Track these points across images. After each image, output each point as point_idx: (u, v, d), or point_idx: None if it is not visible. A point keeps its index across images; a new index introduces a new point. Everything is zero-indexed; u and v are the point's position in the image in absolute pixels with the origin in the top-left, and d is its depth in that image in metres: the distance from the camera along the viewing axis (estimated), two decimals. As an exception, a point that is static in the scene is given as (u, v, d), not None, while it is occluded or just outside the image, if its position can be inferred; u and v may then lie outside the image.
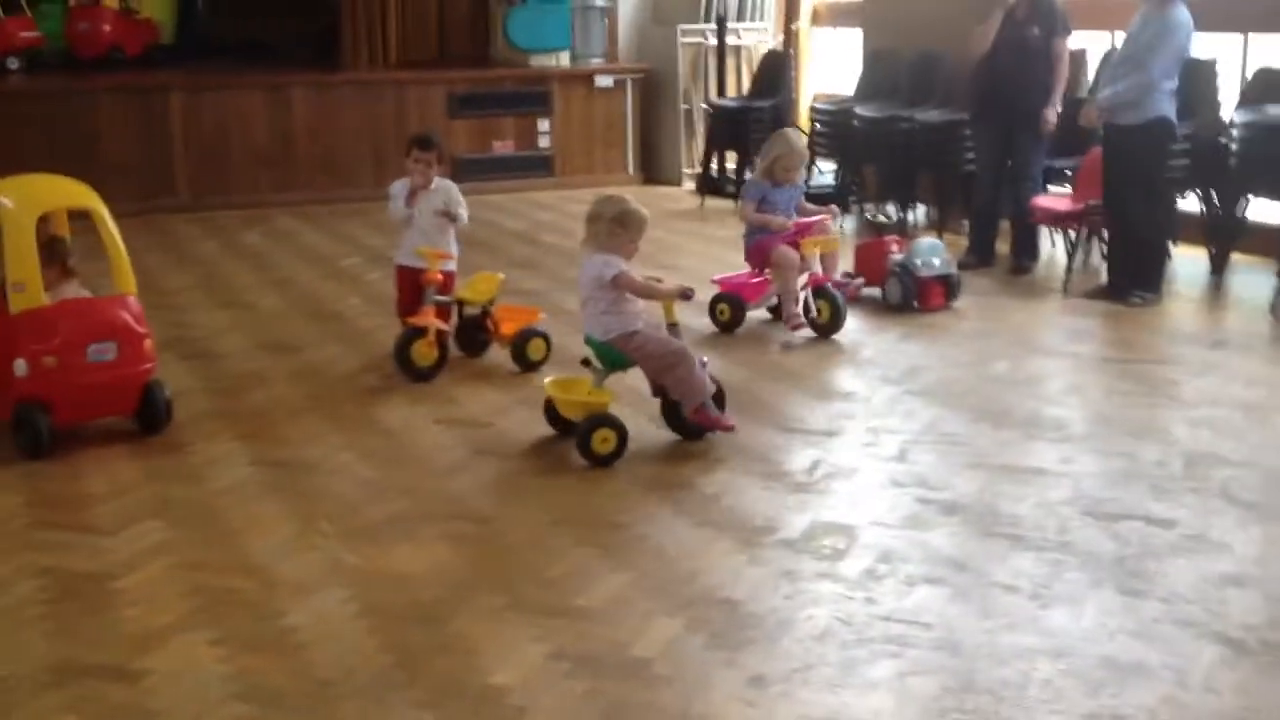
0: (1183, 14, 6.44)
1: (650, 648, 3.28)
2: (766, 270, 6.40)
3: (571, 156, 11.53)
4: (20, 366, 4.62)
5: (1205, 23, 7.86)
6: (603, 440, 4.61)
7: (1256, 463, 4.47)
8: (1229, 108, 7.34)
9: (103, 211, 4.87)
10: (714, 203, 10.33)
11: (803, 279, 6.19)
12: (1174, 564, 3.70)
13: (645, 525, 4.10)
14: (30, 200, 4.81)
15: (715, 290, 6.49)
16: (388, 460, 4.70)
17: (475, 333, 6.02)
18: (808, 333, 6.20)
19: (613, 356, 4.78)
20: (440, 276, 5.77)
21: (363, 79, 11.09)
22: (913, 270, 6.69)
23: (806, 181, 6.54)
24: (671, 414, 4.85)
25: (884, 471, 4.52)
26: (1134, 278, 6.74)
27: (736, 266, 6.82)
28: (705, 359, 4.86)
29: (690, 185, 11.13)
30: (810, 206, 6.55)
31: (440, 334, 5.67)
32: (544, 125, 11.36)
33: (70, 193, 5.06)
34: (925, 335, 6.30)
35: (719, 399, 4.83)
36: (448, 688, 3.10)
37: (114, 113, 10.23)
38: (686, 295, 4.77)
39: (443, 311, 5.77)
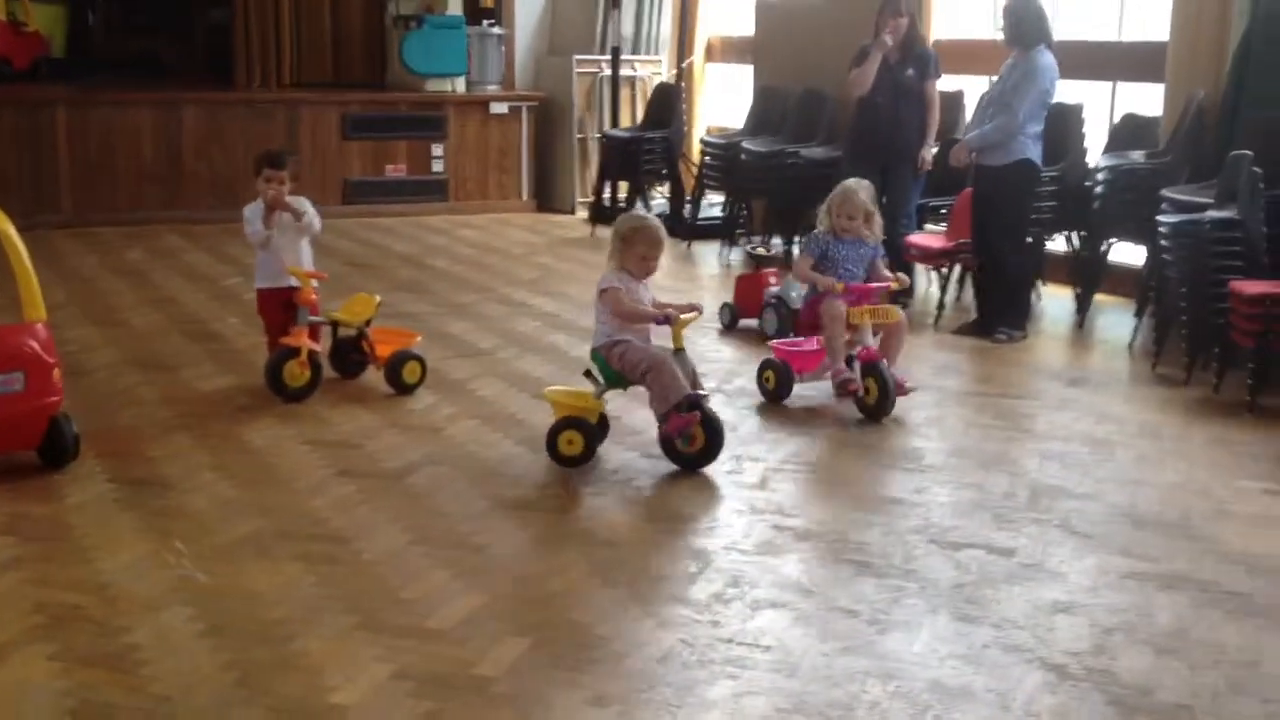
0: (1047, 60, 6.68)
1: (495, 667, 3.32)
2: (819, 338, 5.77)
3: (465, 182, 11.58)
4: None
5: (1077, 71, 8.19)
6: (568, 442, 4.78)
7: (1098, 496, 4.64)
8: (1096, 152, 7.61)
9: (11, 232, 4.65)
10: (604, 231, 10.38)
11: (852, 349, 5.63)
12: (1009, 592, 3.83)
13: (503, 547, 4.14)
14: None
15: (767, 355, 6.00)
16: (250, 479, 4.68)
17: (351, 354, 6.02)
18: (854, 409, 5.59)
19: (607, 370, 4.91)
20: (315, 296, 5.76)
21: (255, 99, 11.05)
22: (788, 303, 6.82)
23: (841, 233, 5.76)
24: (668, 445, 4.89)
25: (744, 499, 4.62)
26: (1001, 315, 6.96)
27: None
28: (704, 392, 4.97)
29: (584, 214, 11.23)
30: (886, 273, 5.84)
31: (312, 354, 5.67)
32: (438, 150, 11.40)
33: None
34: (797, 367, 6.42)
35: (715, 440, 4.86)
36: (287, 706, 3.11)
37: (-2, 126, 10.08)
38: (661, 320, 4.87)
39: (315, 331, 5.77)
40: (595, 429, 4.91)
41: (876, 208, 5.86)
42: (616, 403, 5.27)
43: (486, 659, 3.36)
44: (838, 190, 5.90)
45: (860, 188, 5.86)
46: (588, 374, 5.03)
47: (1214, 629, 3.61)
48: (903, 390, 5.57)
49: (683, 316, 4.93)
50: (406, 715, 3.09)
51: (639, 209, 5.36)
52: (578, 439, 4.78)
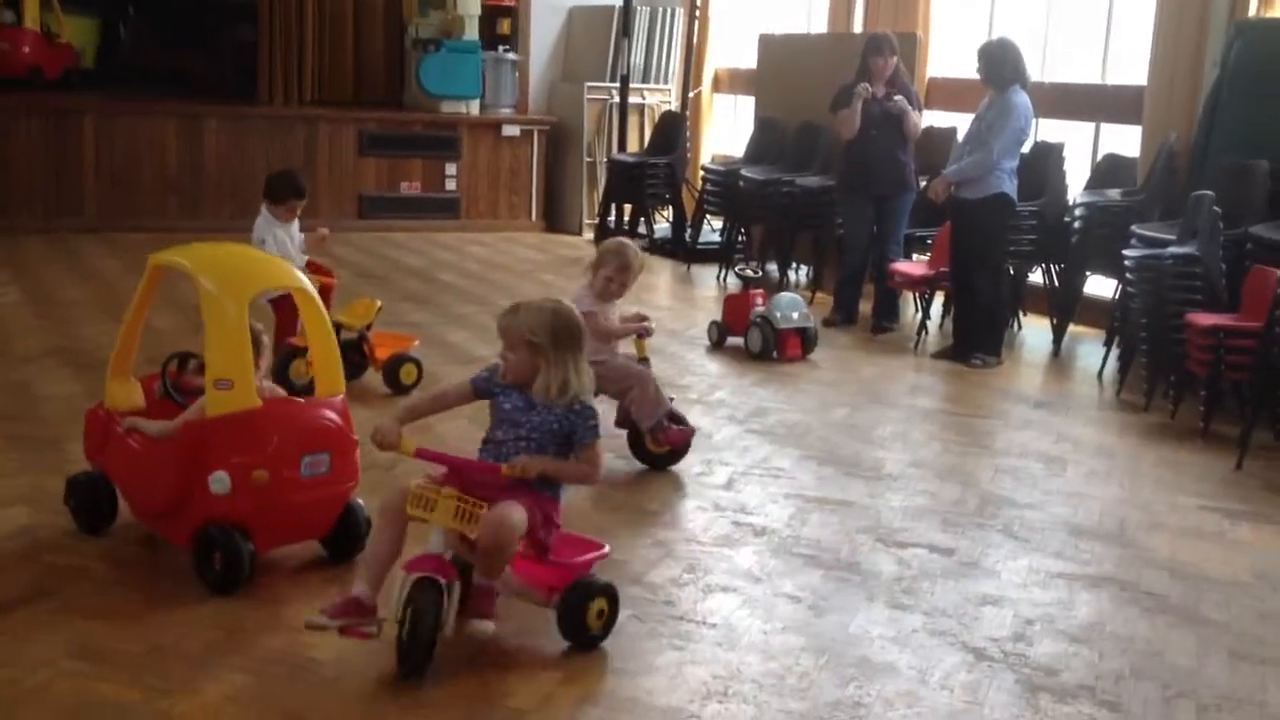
0: (1022, 99, 7.01)
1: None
2: None
3: (476, 201, 11.95)
4: (221, 481, 3.76)
5: (1063, 111, 8.55)
6: None
7: (1042, 506, 4.94)
8: (1078, 189, 7.93)
9: (313, 293, 4.15)
10: (608, 253, 10.77)
11: None
12: (943, 585, 4.13)
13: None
14: (238, 280, 4.04)
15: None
16: (250, 465, 5.00)
17: (351, 356, 6.34)
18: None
19: None
20: (334, 283, 6.12)
21: (276, 113, 11.45)
22: (773, 322, 7.15)
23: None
24: (638, 446, 5.22)
25: (709, 498, 4.93)
26: (976, 341, 7.26)
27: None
28: (673, 396, 5.35)
29: (590, 235, 11.58)
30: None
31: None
32: (451, 169, 11.78)
33: (273, 272, 4.35)
34: (777, 382, 6.75)
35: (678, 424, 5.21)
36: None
37: (28, 131, 10.49)
38: (642, 334, 5.21)
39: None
40: None
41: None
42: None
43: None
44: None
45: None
46: None
47: (1128, 623, 3.90)
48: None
49: (648, 327, 5.27)
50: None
51: (623, 237, 5.60)
52: None
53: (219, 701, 3.18)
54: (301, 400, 4.17)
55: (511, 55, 12.10)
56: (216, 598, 3.76)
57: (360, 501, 4.07)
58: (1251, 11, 7.23)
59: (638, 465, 5.21)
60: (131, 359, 4.29)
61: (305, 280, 4.19)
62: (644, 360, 5.27)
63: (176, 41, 14.32)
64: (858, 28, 10.02)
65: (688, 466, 5.23)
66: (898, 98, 7.87)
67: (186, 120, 11.01)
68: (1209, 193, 6.25)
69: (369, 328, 6.29)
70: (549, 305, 3.54)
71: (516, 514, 3.34)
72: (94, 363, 6.40)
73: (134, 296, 4.29)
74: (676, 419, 5.22)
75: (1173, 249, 6.23)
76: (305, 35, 11.99)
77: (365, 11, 12.55)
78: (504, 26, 12.30)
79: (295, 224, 6.39)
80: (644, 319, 5.33)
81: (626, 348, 5.40)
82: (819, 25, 10.79)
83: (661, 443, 5.17)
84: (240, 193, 11.02)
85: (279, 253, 6.17)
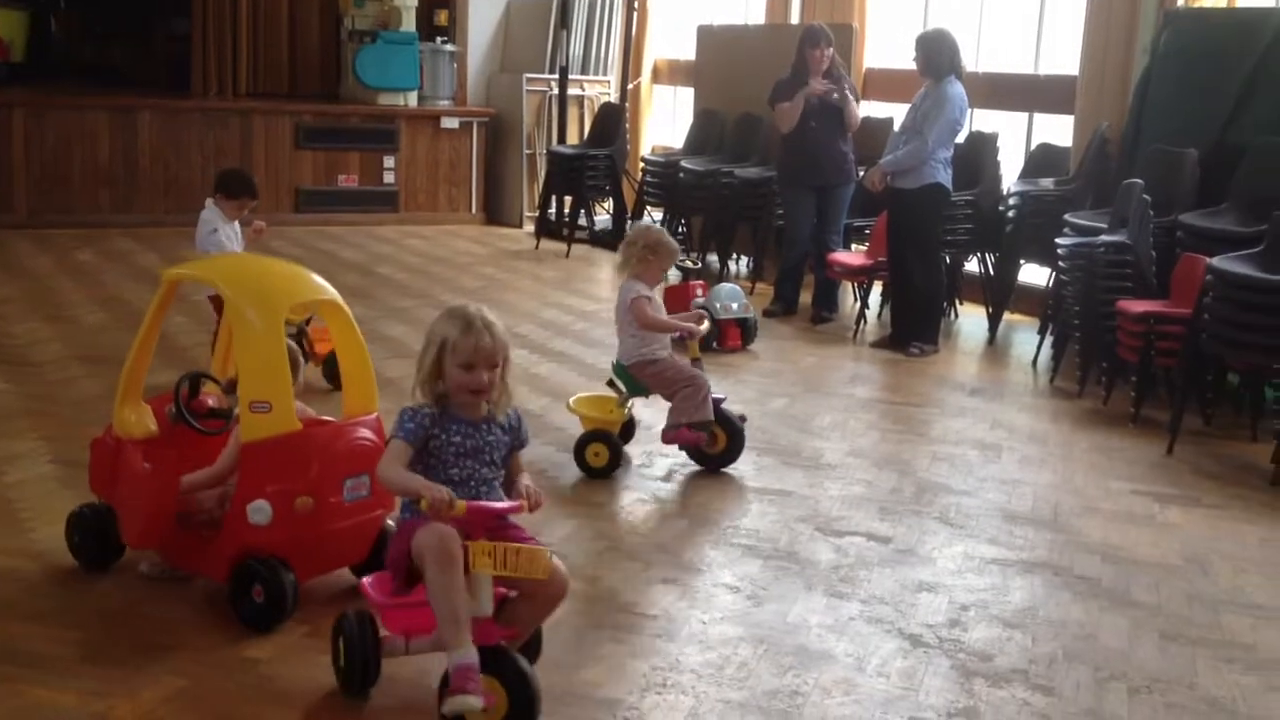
0: (957, 89, 7.08)
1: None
2: None
3: (415, 194, 11.88)
4: (262, 511, 3.51)
5: (997, 101, 8.63)
6: (595, 454, 5.01)
7: (977, 493, 5.01)
8: (1013, 179, 8.02)
9: (346, 310, 3.89)
10: (549, 245, 10.77)
11: None
12: (880, 573, 4.17)
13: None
14: (269, 295, 3.74)
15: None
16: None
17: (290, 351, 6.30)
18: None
19: (631, 382, 5.17)
20: None
21: (210, 106, 11.31)
22: (712, 313, 7.17)
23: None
24: (696, 450, 5.15)
25: (649, 490, 4.94)
26: (914, 330, 7.33)
27: (562, 306, 7.14)
28: (744, 415, 5.30)
29: (530, 227, 11.56)
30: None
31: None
32: (389, 162, 11.71)
33: (302, 285, 3.93)
34: (718, 372, 6.73)
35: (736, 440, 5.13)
36: (206, 658, 3.39)
37: (-46, 126, 10.31)
38: (694, 334, 5.11)
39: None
40: (619, 441, 5.11)
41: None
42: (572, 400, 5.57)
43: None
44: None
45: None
46: (610, 383, 5.32)
47: (1061, 607, 3.96)
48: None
49: (699, 328, 5.15)
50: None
51: (645, 221, 5.51)
52: (604, 451, 5.01)
53: (155, 705, 3.15)
54: (330, 419, 3.87)
55: (449, 47, 12.04)
56: (154, 600, 3.72)
57: (392, 524, 3.69)
58: (1181, 2, 7.35)
59: (558, 458, 5.20)
60: (142, 382, 3.94)
61: (335, 293, 3.89)
62: (696, 360, 5.18)
63: (108, 34, 14.12)
64: (795, 19, 10.07)
65: (627, 458, 5.23)
66: (840, 92, 7.90)
67: (119, 114, 10.84)
68: (1139, 181, 6.35)
69: (308, 322, 6.24)
70: (486, 310, 3.18)
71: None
72: (22, 360, 6.33)
73: (146, 314, 3.92)
74: (721, 427, 5.10)
75: (1104, 237, 6.32)
76: (239, 27, 11.86)
77: (300, 3, 12.43)
78: (441, 18, 12.26)
79: (236, 221, 6.37)
80: (701, 318, 5.23)
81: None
82: (757, 16, 10.83)
83: (670, 440, 5.12)
84: (174, 187, 10.91)
85: (229, 245, 6.14)
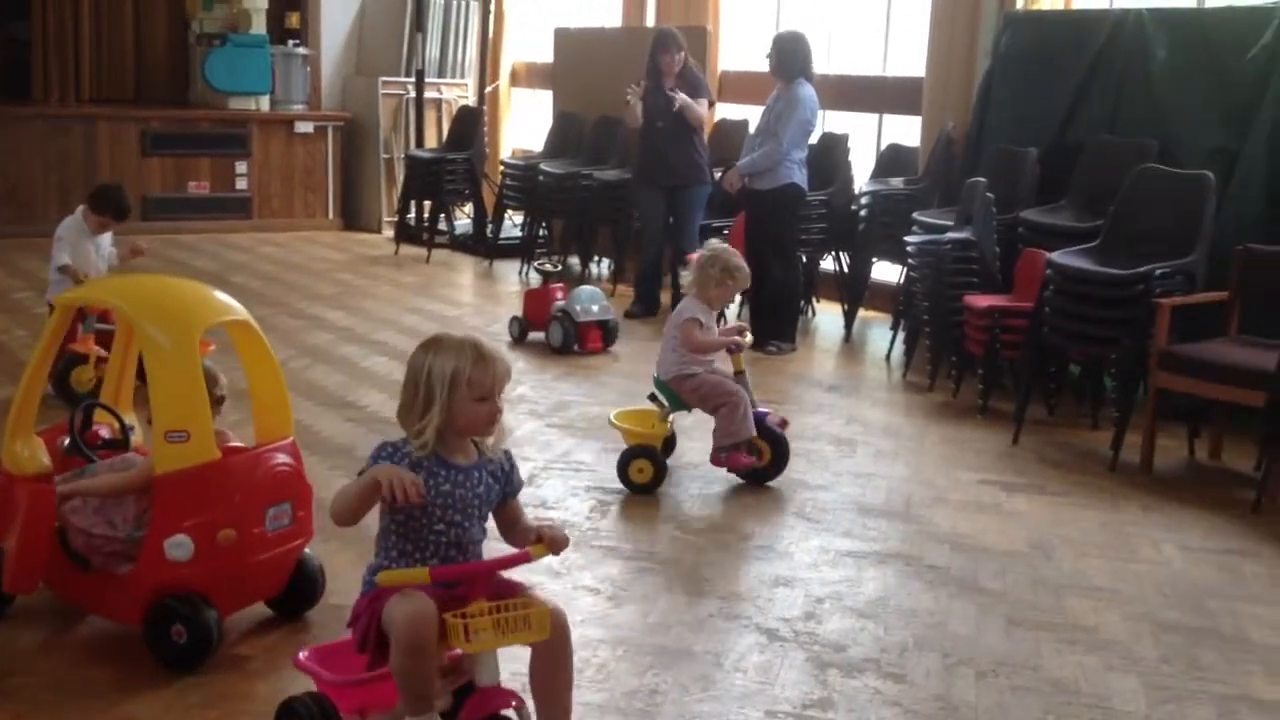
0: (807, 91, 7.21)
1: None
2: None
3: (269, 200, 11.67)
4: (182, 546, 3.34)
5: (847, 103, 8.80)
6: (639, 470, 4.95)
7: (833, 487, 5.11)
8: (863, 179, 8.19)
9: (257, 329, 3.76)
10: (408, 250, 10.67)
11: None
12: (740, 569, 4.24)
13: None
14: (181, 317, 3.57)
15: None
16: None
17: (142, 363, 6.14)
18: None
19: (673, 397, 5.10)
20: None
21: (52, 113, 10.97)
22: (573, 315, 7.20)
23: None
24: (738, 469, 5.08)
25: (510, 494, 4.93)
26: (771, 328, 7.44)
27: (421, 311, 7.05)
28: (785, 419, 5.26)
29: (389, 232, 11.44)
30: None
31: (100, 361, 5.79)
32: (242, 168, 11.47)
33: (214, 305, 3.75)
34: (579, 375, 6.79)
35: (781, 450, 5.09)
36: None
37: None
38: (732, 348, 5.06)
39: (104, 338, 5.89)
40: (662, 456, 5.05)
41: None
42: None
43: (248, 638, 3.59)
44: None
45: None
46: (652, 397, 5.27)
47: (912, 597, 4.07)
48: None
49: (742, 340, 5.11)
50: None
51: (714, 241, 5.43)
52: (648, 468, 4.96)
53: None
54: (245, 446, 3.64)
55: (302, 50, 11.84)
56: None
57: (309, 552, 3.71)
58: (1020, 4, 7.59)
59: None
60: (34, 415, 3.65)
61: (246, 313, 3.75)
62: (739, 374, 5.13)
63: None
64: (650, 21, 10.14)
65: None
66: (674, 92, 7.96)
67: (-46, 122, 10.46)
68: (982, 179, 6.54)
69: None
70: (480, 338, 2.93)
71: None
72: None
73: (39, 344, 3.68)
74: (764, 439, 5.05)
75: (950, 234, 6.50)
76: (81, 31, 11.49)
77: (145, 6, 12.10)
78: (293, 20, 12.06)
79: (109, 235, 6.24)
80: (741, 331, 5.18)
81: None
82: (613, 19, 10.87)
83: (721, 463, 5.07)
84: (16, 197, 10.56)
85: (75, 259, 6.00)
